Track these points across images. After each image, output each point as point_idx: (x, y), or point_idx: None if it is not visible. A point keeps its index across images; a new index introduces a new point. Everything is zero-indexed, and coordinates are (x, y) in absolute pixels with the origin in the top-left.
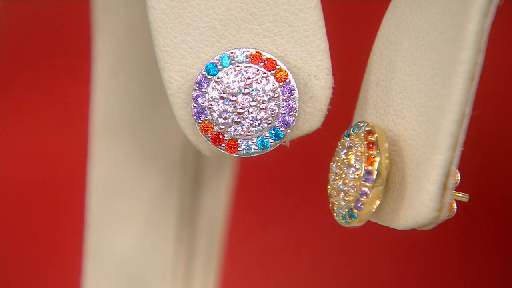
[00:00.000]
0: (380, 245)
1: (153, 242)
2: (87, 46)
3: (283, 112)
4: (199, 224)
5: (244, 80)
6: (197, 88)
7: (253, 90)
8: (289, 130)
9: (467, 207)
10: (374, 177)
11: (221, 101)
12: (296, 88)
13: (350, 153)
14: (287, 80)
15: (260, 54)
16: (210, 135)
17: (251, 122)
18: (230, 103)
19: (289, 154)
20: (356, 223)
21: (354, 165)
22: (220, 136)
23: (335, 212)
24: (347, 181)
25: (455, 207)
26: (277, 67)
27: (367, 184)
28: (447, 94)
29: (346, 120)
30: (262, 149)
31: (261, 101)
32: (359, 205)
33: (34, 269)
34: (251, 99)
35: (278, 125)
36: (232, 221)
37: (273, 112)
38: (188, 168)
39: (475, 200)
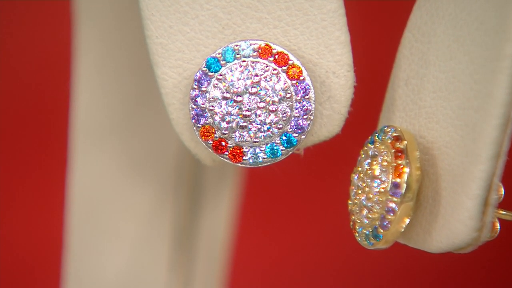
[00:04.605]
0: (407, 270)
1: (143, 267)
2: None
3: (297, 115)
4: (196, 247)
5: (251, 78)
6: (196, 87)
7: (261, 89)
8: (303, 136)
9: None
10: (403, 191)
11: (224, 102)
12: (311, 87)
13: (374, 163)
14: (301, 78)
15: (270, 47)
16: (211, 142)
17: (259, 126)
18: (234, 104)
19: (303, 164)
20: (381, 245)
21: (380, 177)
22: (223, 143)
23: (357, 232)
24: (371, 196)
25: (498, 227)
26: (290, 62)
27: (394, 199)
28: (489, 94)
29: (370, 124)
30: (271, 157)
31: (270, 102)
32: (385, 223)
33: None
34: (259, 100)
35: (290, 130)
36: (235, 243)
37: (284, 115)
38: (184, 180)
39: None
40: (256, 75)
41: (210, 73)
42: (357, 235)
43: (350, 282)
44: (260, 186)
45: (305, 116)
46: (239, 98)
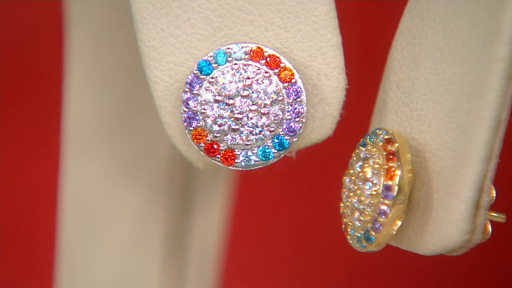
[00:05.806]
0: (399, 273)
1: (135, 270)
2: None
3: (288, 117)
4: (189, 249)
5: (242, 81)
6: (188, 90)
7: (253, 92)
8: (295, 139)
9: (504, 228)
10: (395, 193)
11: (215, 105)
12: (303, 90)
13: (366, 165)
14: (293, 81)
15: (262, 50)
16: (203, 145)
17: (251, 129)
18: (226, 107)
19: (295, 166)
20: (373, 248)
21: (371, 179)
22: (215, 146)
23: (349, 235)
24: (362, 198)
25: (490, 229)
26: (281, 65)
27: (386, 201)
28: (480, 96)
29: (362, 127)
30: (263, 160)
31: (262, 105)
32: (377, 226)
33: None
34: (250, 103)
35: (282, 132)
36: (228, 245)
37: (276, 118)
38: (176, 183)
39: None
40: (248, 78)
41: (201, 76)
42: (349, 237)
43: (342, 286)
44: (252, 189)
45: (297, 119)
46: (231, 101)
